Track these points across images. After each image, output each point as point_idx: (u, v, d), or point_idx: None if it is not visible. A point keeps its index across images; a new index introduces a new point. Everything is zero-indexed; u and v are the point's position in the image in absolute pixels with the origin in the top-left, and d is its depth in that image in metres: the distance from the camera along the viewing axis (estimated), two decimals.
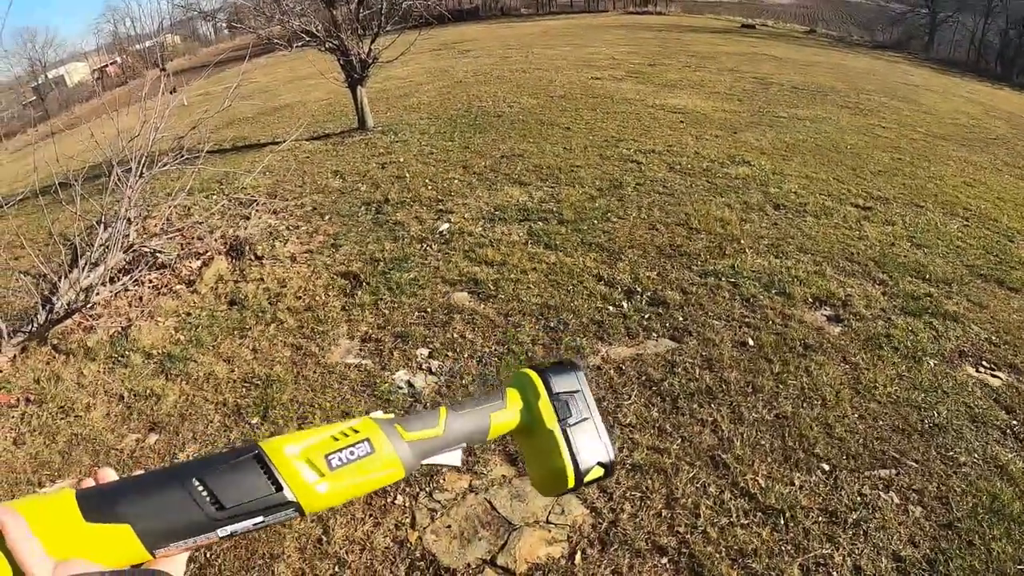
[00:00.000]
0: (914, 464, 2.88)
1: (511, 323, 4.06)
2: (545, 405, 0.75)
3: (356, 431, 0.66)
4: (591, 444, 0.75)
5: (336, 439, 0.65)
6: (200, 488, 0.58)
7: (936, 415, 3.19)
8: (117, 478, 0.63)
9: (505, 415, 0.75)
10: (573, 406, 0.76)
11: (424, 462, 0.70)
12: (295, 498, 0.61)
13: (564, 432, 0.74)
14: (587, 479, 0.74)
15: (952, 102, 13.90)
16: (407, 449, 0.67)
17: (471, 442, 0.73)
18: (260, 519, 0.60)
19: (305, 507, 0.62)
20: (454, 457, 0.72)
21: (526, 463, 0.83)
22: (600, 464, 0.75)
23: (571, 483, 0.74)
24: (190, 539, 0.58)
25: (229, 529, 0.59)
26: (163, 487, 0.58)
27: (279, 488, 0.60)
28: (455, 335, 3.99)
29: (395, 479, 0.68)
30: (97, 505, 0.56)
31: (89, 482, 0.62)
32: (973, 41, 34.34)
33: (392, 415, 0.71)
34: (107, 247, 4.37)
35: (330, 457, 0.63)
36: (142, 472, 0.63)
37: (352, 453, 0.64)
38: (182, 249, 5.15)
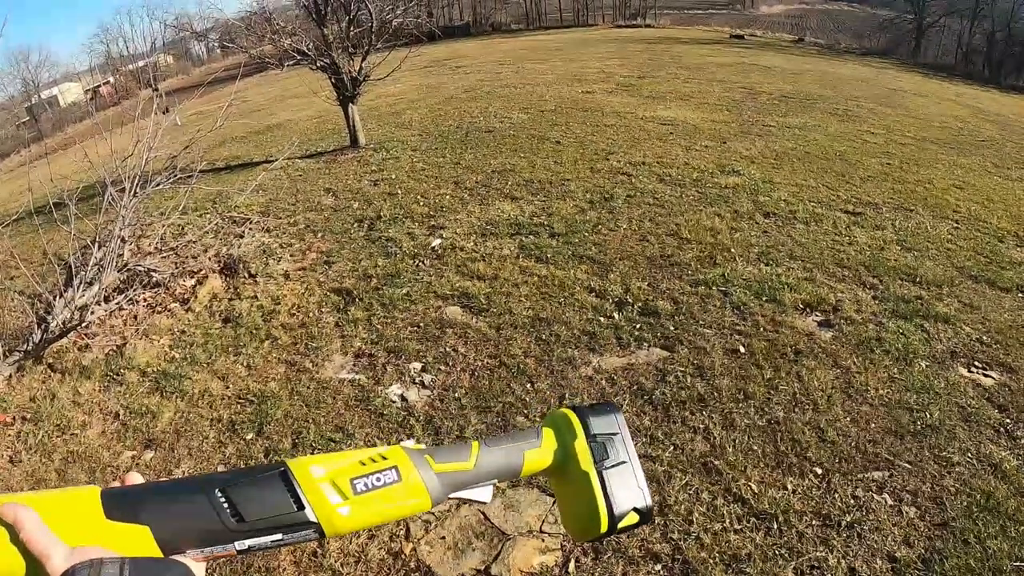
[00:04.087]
0: (907, 465, 2.90)
1: (503, 336, 4.08)
2: (582, 446, 0.73)
3: (385, 458, 0.66)
4: (627, 488, 0.72)
5: (364, 464, 0.65)
6: (222, 499, 0.59)
7: (928, 416, 3.20)
8: (143, 482, 0.64)
9: (539, 454, 0.73)
10: (611, 448, 0.73)
11: (453, 495, 0.69)
12: (316, 519, 0.61)
13: (600, 475, 0.72)
14: (621, 525, 0.71)
15: (940, 106, 14.03)
16: (435, 480, 0.67)
17: (502, 478, 0.72)
18: (279, 536, 0.60)
19: (326, 528, 0.62)
20: (484, 493, 0.71)
21: (559, 505, 0.80)
22: (636, 510, 0.72)
23: (604, 527, 0.71)
24: (207, 548, 0.58)
25: (247, 543, 0.59)
26: (186, 494, 0.59)
27: (301, 507, 0.61)
28: (448, 349, 4.00)
29: (421, 509, 0.67)
30: (119, 504, 0.57)
31: (117, 485, 0.63)
32: (960, 45, 34.69)
33: (423, 445, 0.70)
34: (101, 266, 4.38)
35: (355, 481, 0.63)
36: (169, 479, 0.64)
37: (379, 479, 0.64)
38: (176, 268, 5.17)
